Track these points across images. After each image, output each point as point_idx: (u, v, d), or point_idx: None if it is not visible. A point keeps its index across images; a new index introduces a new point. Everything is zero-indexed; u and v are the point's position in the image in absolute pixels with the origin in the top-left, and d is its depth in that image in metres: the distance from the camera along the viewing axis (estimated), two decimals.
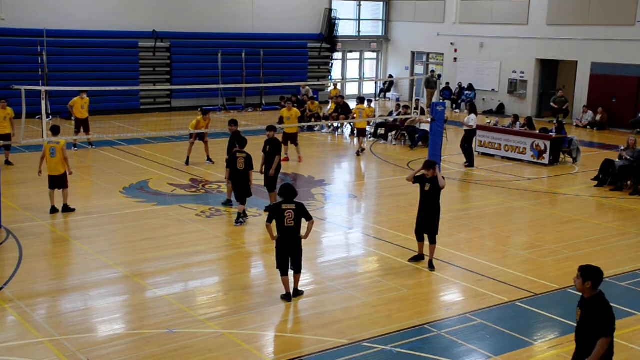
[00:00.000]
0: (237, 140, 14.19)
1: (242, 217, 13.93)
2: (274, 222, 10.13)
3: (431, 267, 11.59)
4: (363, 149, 22.09)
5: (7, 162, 18.50)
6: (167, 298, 10.28)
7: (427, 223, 11.55)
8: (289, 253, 10.13)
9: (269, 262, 12.10)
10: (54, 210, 14.31)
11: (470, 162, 20.16)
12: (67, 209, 14.41)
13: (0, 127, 18.21)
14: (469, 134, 20.23)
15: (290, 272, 10.33)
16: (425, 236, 11.72)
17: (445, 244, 12.70)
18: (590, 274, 6.53)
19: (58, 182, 14.34)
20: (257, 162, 14.63)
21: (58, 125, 15.12)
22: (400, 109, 24.14)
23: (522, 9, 30.69)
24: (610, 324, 6.41)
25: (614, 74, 27.86)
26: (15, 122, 18.38)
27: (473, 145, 20.80)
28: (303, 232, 10.22)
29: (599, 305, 6.47)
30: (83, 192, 16.42)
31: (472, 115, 20.32)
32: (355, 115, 22.64)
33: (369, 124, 23.66)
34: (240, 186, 13.89)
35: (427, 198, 11.51)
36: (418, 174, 11.63)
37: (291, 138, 20.05)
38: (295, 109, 21.32)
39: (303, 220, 10.13)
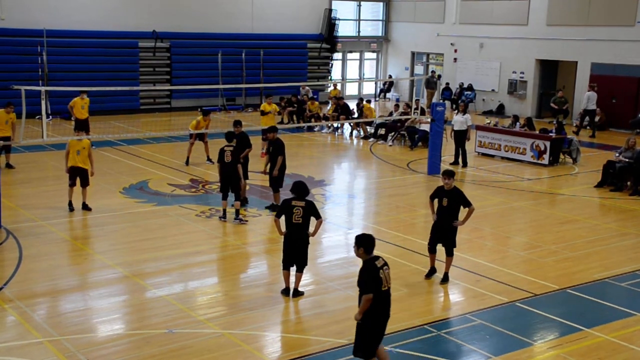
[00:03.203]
0: (245, 142, 14.60)
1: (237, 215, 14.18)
2: (282, 217, 10.20)
3: (445, 279, 11.09)
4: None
5: (8, 165, 18.32)
6: (167, 298, 10.28)
7: (445, 235, 10.99)
8: (294, 249, 10.17)
9: (269, 262, 12.11)
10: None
11: (464, 162, 20.14)
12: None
13: (1, 130, 18.09)
14: (463, 134, 20.16)
15: (293, 272, 10.35)
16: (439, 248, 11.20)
17: None
18: (361, 241, 7.52)
19: None
20: (259, 164, 14.64)
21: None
22: (400, 109, 24.18)
23: (522, 9, 30.69)
24: (368, 284, 7.34)
25: (614, 74, 27.85)
26: (16, 122, 18.32)
27: (471, 146, 20.81)
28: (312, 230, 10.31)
29: (363, 268, 7.47)
30: None
31: (468, 115, 20.27)
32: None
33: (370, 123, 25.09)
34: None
35: (445, 213, 10.91)
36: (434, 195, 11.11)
37: (267, 131, 20.20)
38: (274, 104, 21.51)
39: (313, 218, 10.18)
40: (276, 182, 14.66)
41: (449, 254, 11.12)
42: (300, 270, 10.34)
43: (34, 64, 27.00)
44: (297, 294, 10.33)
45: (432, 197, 11.21)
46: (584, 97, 26.92)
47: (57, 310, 9.89)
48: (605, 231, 14.31)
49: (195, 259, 12.12)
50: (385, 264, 7.61)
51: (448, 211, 10.92)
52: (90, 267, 11.64)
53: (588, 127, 28.08)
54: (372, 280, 7.37)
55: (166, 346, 8.72)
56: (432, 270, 11.34)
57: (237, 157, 13.93)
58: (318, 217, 10.19)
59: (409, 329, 9.34)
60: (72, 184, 14.46)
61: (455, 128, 20.34)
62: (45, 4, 27.48)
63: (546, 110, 30.14)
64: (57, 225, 13.75)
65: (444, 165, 19.74)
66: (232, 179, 13.94)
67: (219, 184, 14.39)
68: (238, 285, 10.98)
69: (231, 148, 13.93)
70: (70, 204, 14.50)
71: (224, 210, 14.17)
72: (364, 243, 7.52)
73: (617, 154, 18.15)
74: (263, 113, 21.23)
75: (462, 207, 11.02)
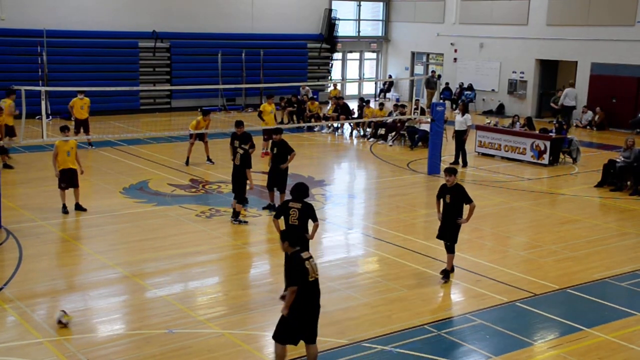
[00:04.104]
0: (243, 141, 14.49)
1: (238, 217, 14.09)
2: (282, 218, 10.14)
3: (445, 277, 11.15)
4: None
5: (6, 166, 18.28)
6: (167, 298, 10.28)
7: (446, 231, 11.13)
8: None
9: (269, 263, 12.12)
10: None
11: (464, 162, 20.14)
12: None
13: None
14: (463, 134, 20.16)
15: None
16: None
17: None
18: (285, 235, 8.07)
19: None
20: (259, 164, 14.60)
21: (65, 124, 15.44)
22: (398, 109, 24.18)
23: (522, 9, 30.68)
24: (294, 276, 7.72)
25: (614, 74, 27.86)
26: (12, 121, 18.37)
27: (471, 146, 20.82)
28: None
29: (291, 261, 7.90)
30: (83, 192, 16.36)
31: (468, 115, 20.27)
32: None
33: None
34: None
35: (448, 210, 11.06)
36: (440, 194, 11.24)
37: (273, 132, 20.21)
38: (273, 105, 21.52)
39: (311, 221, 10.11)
40: (281, 183, 14.66)
41: (451, 251, 11.21)
42: None
43: (34, 64, 26.99)
44: None
45: (438, 197, 11.31)
46: (562, 94, 27.79)
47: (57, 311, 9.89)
48: (606, 231, 14.32)
49: (195, 259, 12.12)
50: (311, 256, 7.94)
51: (451, 208, 11.04)
52: (90, 267, 11.63)
53: (587, 127, 28.11)
54: (298, 272, 7.69)
55: (166, 346, 8.72)
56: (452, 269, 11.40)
57: (245, 161, 13.82)
58: (314, 220, 10.02)
59: (409, 329, 9.35)
60: (66, 187, 14.40)
61: (456, 128, 20.38)
62: (45, 4, 27.47)
63: (546, 110, 30.16)
64: (57, 225, 13.75)
65: (444, 165, 19.75)
66: (237, 180, 13.91)
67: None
68: (238, 286, 10.98)
69: (241, 151, 13.82)
70: (64, 206, 14.42)
71: (234, 210, 14.11)
72: (288, 237, 8.02)
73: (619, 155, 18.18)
74: (260, 114, 21.27)
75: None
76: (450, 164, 20.12)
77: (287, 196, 14.86)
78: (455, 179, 11.09)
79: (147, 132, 24.17)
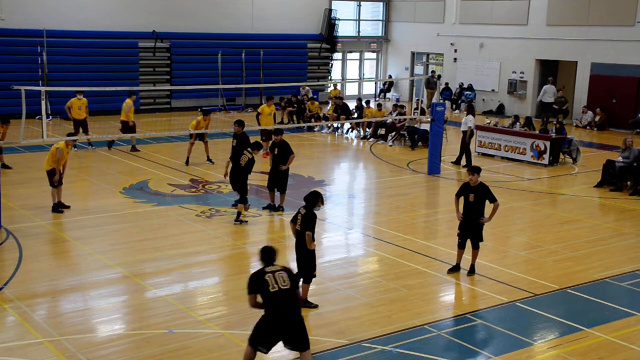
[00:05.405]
0: (246, 143, 14.45)
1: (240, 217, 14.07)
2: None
3: (471, 271, 11.37)
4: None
5: (4, 166, 18.25)
6: (167, 298, 10.28)
7: (472, 229, 11.22)
8: (297, 256, 10.08)
9: None
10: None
11: (467, 162, 20.11)
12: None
13: None
14: (464, 135, 20.12)
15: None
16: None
17: (445, 244, 12.71)
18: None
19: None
20: (259, 164, 14.58)
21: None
22: (397, 109, 24.17)
23: (522, 9, 30.69)
24: (249, 286, 7.66)
25: (614, 74, 27.85)
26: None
27: (472, 146, 20.79)
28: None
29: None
30: (83, 192, 16.43)
31: (470, 117, 20.24)
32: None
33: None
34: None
35: (472, 209, 11.16)
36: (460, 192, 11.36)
37: (273, 133, 20.21)
38: (273, 106, 21.50)
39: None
40: (282, 184, 14.66)
41: (476, 247, 11.35)
42: (305, 282, 10.07)
43: (34, 64, 26.99)
44: (305, 304, 10.00)
45: (457, 195, 11.45)
46: (541, 91, 28.42)
47: (57, 310, 9.90)
48: (605, 231, 14.32)
49: (195, 259, 12.12)
50: (280, 269, 7.73)
51: (475, 206, 11.16)
52: (90, 267, 11.63)
53: (587, 128, 28.11)
54: (251, 283, 7.68)
55: (166, 346, 8.72)
56: (457, 267, 11.52)
57: (250, 167, 13.78)
58: (307, 228, 9.84)
59: (409, 329, 9.35)
60: (61, 183, 14.59)
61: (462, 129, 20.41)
62: (45, 4, 27.46)
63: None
64: (57, 225, 13.75)
65: (444, 165, 19.78)
66: (238, 181, 13.90)
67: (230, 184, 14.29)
68: (238, 286, 10.94)
69: (250, 155, 13.70)
70: (62, 204, 14.56)
71: (238, 212, 14.10)
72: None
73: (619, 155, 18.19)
74: (258, 115, 21.29)
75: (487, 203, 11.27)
76: (452, 162, 20.17)
77: (287, 197, 15.03)
78: (479, 177, 11.16)
79: (147, 132, 24.16)
